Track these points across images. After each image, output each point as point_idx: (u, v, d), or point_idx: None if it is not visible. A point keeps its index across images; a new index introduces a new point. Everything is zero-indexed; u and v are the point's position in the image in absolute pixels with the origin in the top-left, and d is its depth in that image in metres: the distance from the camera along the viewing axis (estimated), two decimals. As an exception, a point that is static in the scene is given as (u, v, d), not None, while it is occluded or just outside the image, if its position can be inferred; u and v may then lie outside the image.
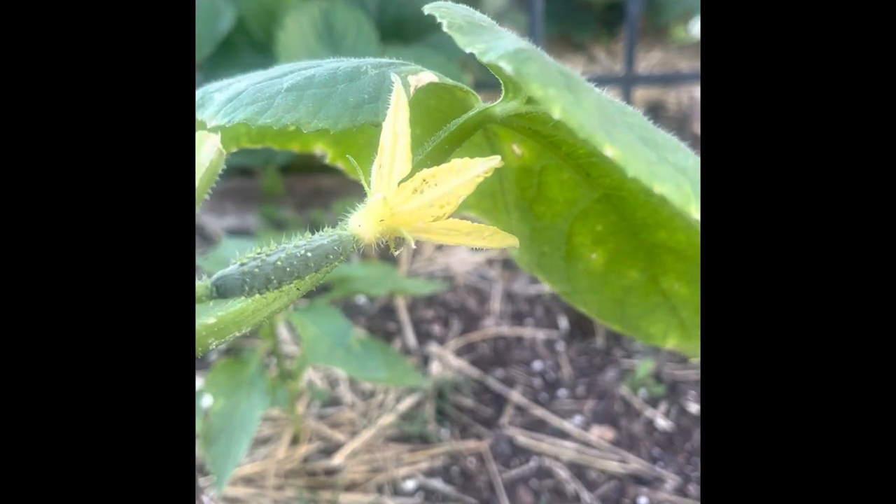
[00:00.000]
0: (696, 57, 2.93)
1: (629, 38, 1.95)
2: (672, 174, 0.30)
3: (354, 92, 0.45)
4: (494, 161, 0.38)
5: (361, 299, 1.59)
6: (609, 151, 0.30)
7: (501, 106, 0.45)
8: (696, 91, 2.42)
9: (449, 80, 0.47)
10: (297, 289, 0.42)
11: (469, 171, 0.39)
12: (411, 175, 0.40)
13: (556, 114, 0.31)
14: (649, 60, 3.03)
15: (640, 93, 2.62)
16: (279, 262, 0.36)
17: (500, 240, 0.42)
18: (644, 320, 0.60)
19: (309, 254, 0.39)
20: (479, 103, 0.47)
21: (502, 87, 0.45)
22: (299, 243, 0.39)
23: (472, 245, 0.42)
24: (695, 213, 0.29)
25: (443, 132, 0.45)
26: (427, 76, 0.46)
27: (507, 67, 0.32)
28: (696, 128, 2.27)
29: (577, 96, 0.33)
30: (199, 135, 0.39)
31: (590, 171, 0.48)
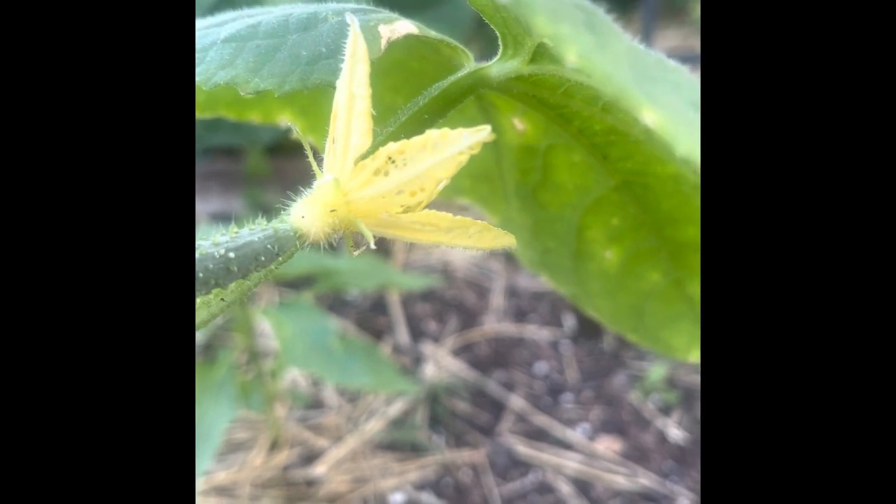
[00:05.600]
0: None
1: (646, 17, 1.83)
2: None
3: (309, 44, 0.35)
4: (483, 133, 0.28)
5: (353, 292, 1.49)
6: (648, 117, 0.21)
7: (498, 66, 0.35)
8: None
9: (433, 33, 0.37)
10: (221, 299, 0.32)
11: (449, 146, 0.29)
12: (374, 151, 0.29)
13: (571, 60, 0.21)
14: (667, 41, 2.96)
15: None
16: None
17: (489, 239, 0.32)
18: (665, 330, 0.53)
19: (231, 254, 0.29)
20: (471, 63, 0.37)
21: (499, 42, 0.35)
22: (219, 240, 0.29)
23: (454, 245, 0.32)
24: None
25: (421, 98, 0.35)
26: (404, 26, 0.36)
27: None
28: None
29: (602, 39, 0.23)
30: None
31: (607, 151, 0.39)
